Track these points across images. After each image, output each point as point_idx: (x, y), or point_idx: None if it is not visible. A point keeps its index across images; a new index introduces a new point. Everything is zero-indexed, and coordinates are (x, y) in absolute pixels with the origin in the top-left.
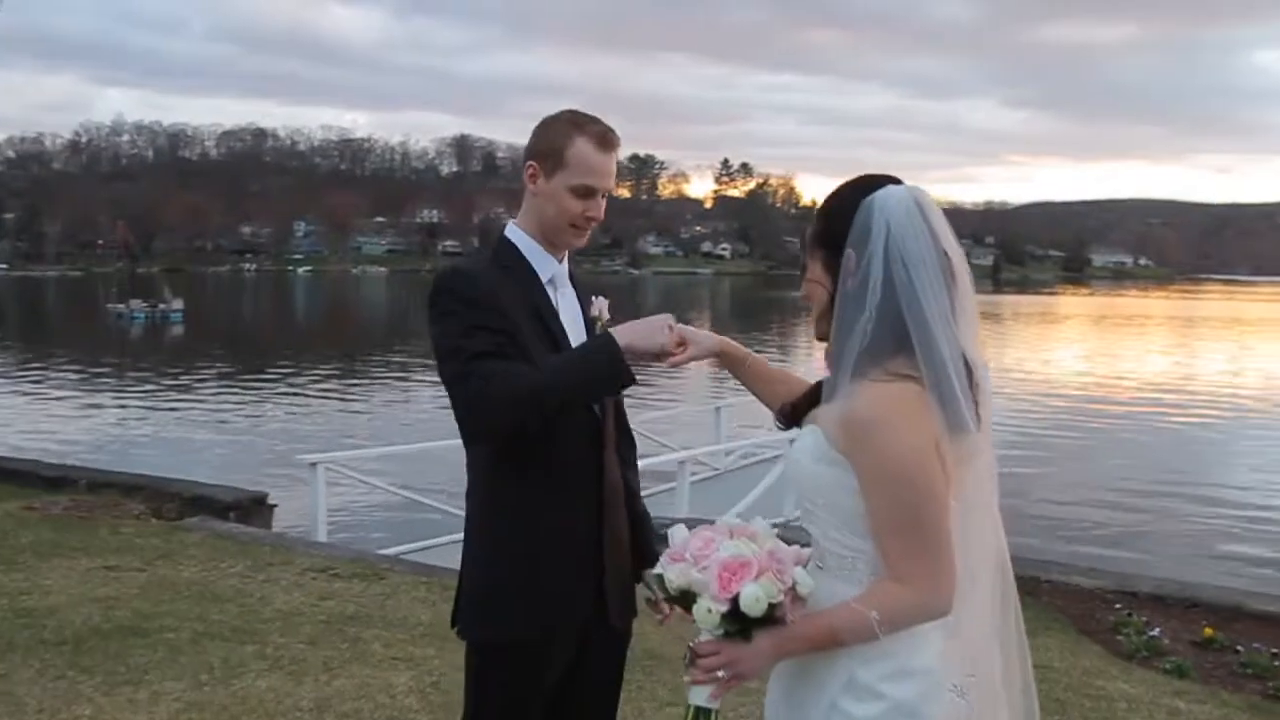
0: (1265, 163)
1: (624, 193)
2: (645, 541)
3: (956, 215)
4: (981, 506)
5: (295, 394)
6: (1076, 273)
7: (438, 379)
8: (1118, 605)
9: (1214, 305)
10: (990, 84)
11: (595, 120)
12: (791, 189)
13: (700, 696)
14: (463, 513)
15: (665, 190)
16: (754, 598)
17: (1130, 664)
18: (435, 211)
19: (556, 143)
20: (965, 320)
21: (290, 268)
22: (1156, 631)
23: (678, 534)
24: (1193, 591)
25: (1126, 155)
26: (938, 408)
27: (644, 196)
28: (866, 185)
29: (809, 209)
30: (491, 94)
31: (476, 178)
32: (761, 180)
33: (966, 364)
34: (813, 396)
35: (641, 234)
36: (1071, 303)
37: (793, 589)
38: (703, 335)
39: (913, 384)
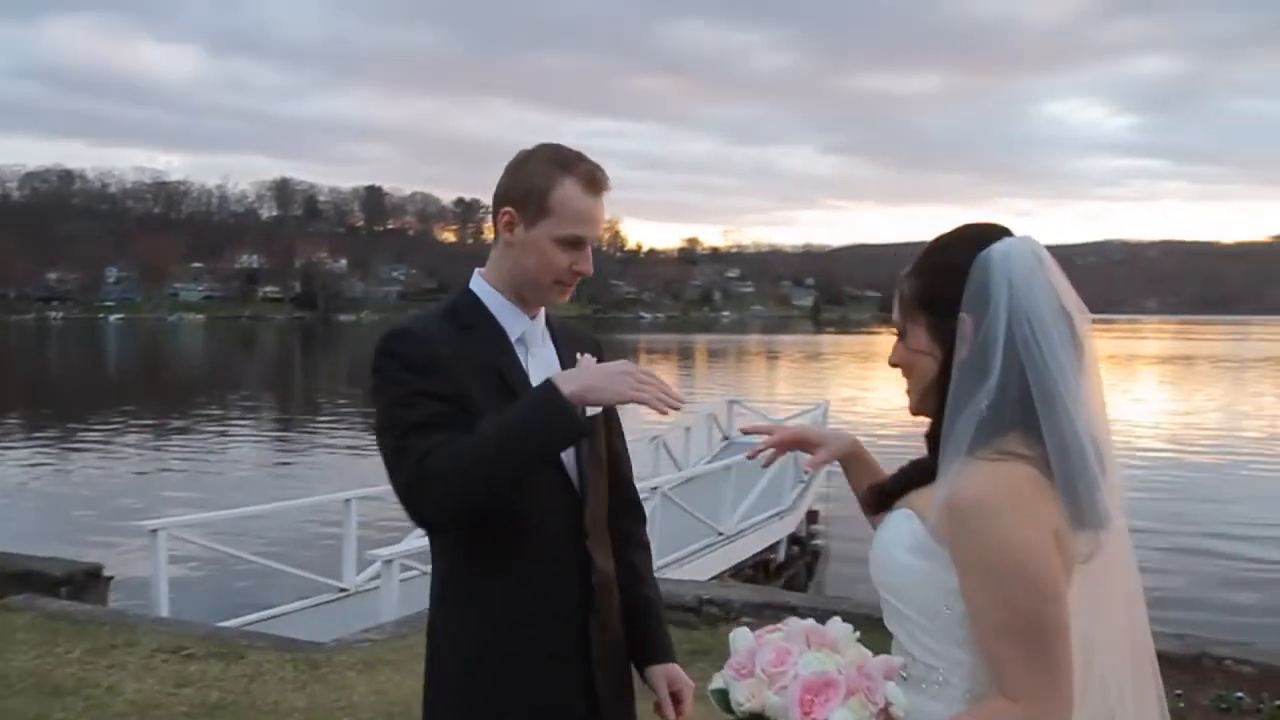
0: (1063, 206)
1: (449, 236)
2: (653, 637)
3: (777, 257)
4: (1109, 611)
5: (112, 453)
6: (892, 312)
7: (259, 434)
8: None
9: None
10: (808, 130)
11: (581, 157)
12: (617, 232)
13: None
14: (311, 574)
15: (490, 234)
16: None
17: None
18: (255, 256)
19: (538, 185)
20: (1092, 394)
21: (100, 316)
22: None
23: (740, 639)
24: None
25: (937, 199)
26: (1062, 496)
27: (470, 240)
28: (977, 238)
29: (634, 252)
30: (313, 136)
31: (298, 222)
32: None
33: (1095, 446)
34: (904, 478)
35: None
36: (889, 341)
37: (886, 710)
38: (832, 434)
39: (1028, 465)
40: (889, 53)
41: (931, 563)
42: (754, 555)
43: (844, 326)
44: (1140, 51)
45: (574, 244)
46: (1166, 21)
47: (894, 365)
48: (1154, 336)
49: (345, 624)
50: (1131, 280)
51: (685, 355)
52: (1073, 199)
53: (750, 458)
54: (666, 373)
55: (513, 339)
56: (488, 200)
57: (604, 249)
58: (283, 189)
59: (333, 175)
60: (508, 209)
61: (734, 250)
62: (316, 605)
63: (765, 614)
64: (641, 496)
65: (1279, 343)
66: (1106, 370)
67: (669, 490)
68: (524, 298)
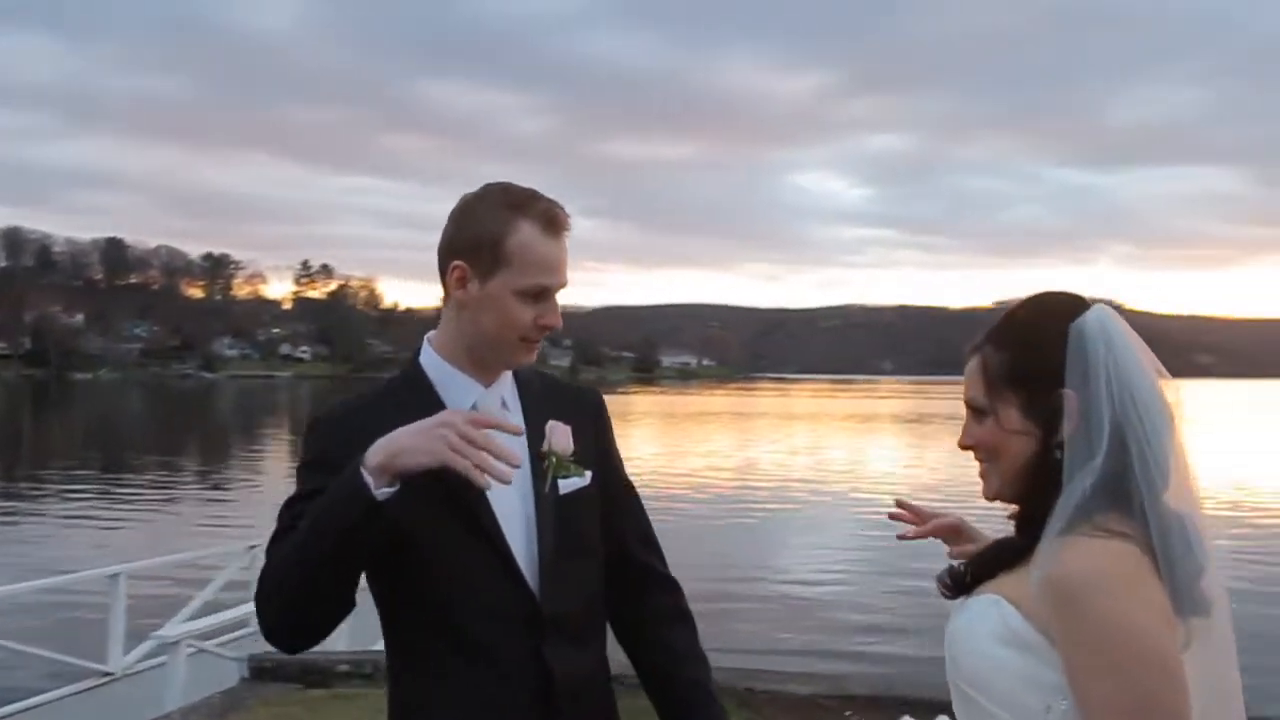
0: (806, 272)
1: (196, 292)
2: None
3: None
4: (1208, 706)
5: None
6: (648, 373)
7: None
8: (846, 712)
9: (768, 401)
10: (567, 193)
11: (535, 195)
12: (373, 291)
13: None
14: (64, 657)
15: (241, 291)
16: None
17: None
18: None
19: (490, 232)
20: (1186, 468)
21: None
22: None
23: None
24: (901, 689)
25: (689, 263)
26: (1165, 578)
27: (218, 297)
28: (1067, 307)
29: (391, 311)
30: (48, 184)
31: (29, 273)
32: (343, 282)
33: (1195, 525)
34: (989, 559)
35: (215, 336)
36: (645, 401)
37: None
38: (980, 534)
39: (1132, 543)
40: (646, 121)
41: (1028, 656)
42: None
43: (601, 386)
44: (876, 128)
45: (537, 295)
46: (899, 102)
47: (971, 447)
48: (890, 396)
49: (114, 714)
50: (870, 342)
51: None
52: (816, 265)
53: (901, 538)
54: None
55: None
56: (239, 256)
57: (359, 307)
58: (13, 238)
59: (70, 225)
60: (457, 263)
61: None
62: (76, 693)
63: None
64: None
65: None
66: (854, 430)
67: None
68: (483, 362)
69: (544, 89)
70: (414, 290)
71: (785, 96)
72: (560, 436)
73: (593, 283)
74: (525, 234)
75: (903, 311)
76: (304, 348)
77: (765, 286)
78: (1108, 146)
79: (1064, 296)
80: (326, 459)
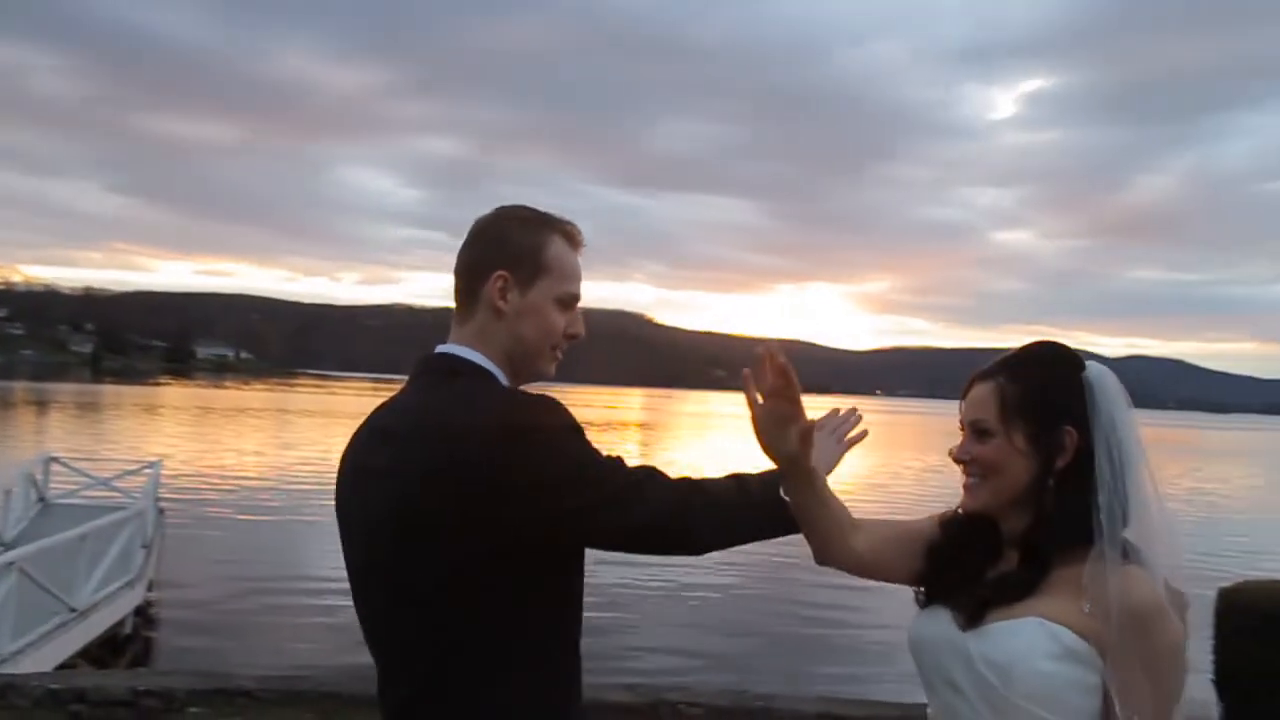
0: (351, 268)
1: None
2: None
3: (54, 299)
4: None
5: None
6: (181, 363)
7: None
8: None
9: (307, 398)
10: (92, 167)
11: (556, 215)
12: None
13: None
14: None
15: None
16: None
17: None
18: None
19: (530, 242)
20: (1158, 497)
21: None
22: None
23: None
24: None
25: (231, 251)
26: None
27: None
28: (1074, 358)
29: None
30: None
31: None
32: None
33: (1173, 542)
34: (1004, 590)
35: None
36: (177, 393)
37: None
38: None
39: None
40: (190, 99)
41: (1076, 666)
42: (106, 630)
43: (128, 376)
44: (429, 130)
45: (568, 304)
46: (454, 106)
47: (969, 460)
48: None
49: None
50: (413, 343)
51: None
52: (363, 263)
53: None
54: None
55: None
56: None
57: None
58: None
59: None
60: (500, 272)
61: (2, 289)
62: None
63: (218, 700)
64: None
65: None
66: None
67: (25, 563)
68: (518, 373)
69: (72, 48)
70: None
71: (339, 89)
72: None
73: (122, 265)
74: (559, 246)
75: (448, 314)
76: None
77: (309, 281)
78: (646, 171)
79: (1069, 349)
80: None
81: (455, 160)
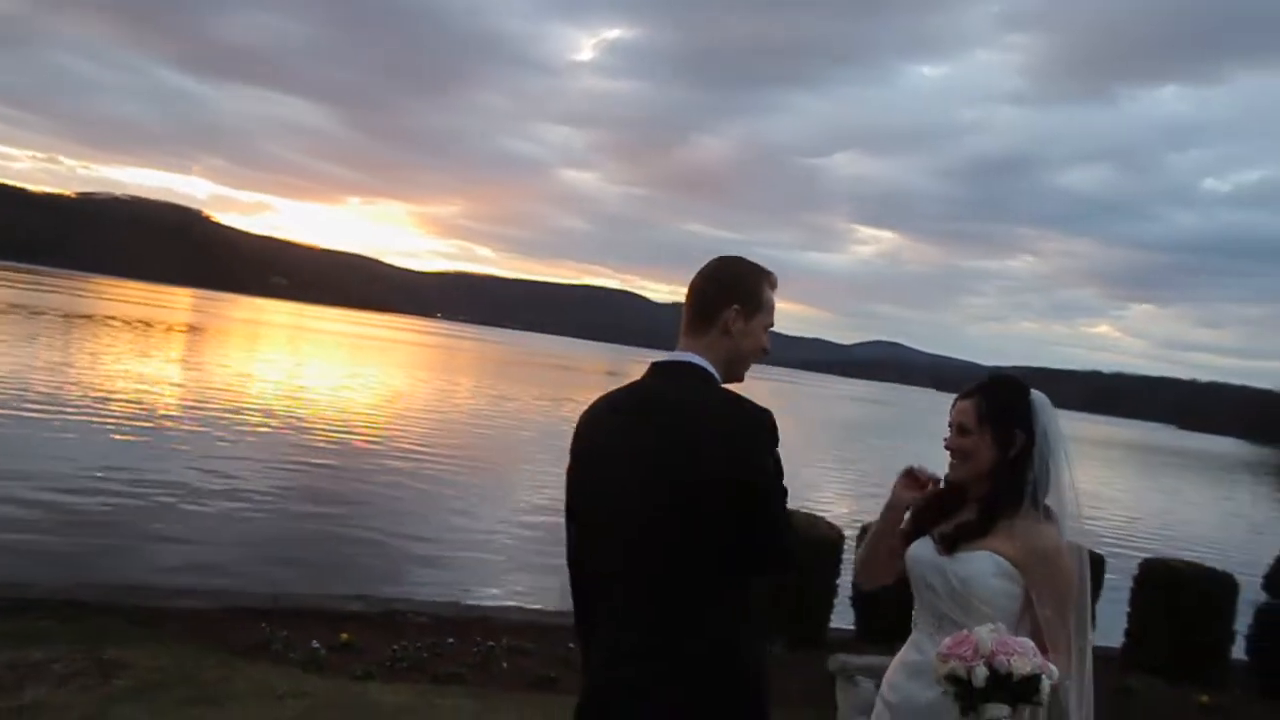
0: None
1: None
2: None
3: None
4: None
5: None
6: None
7: None
8: (263, 624)
9: None
10: None
11: (767, 267)
12: None
13: None
14: None
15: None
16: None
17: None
18: None
19: (755, 287)
20: (1064, 486)
21: None
22: (316, 643)
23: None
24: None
25: None
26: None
27: None
28: (1023, 385)
29: None
30: None
31: None
32: None
33: (1076, 505)
34: (968, 530)
35: None
36: None
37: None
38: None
39: (1055, 523)
40: None
41: (1009, 582)
42: None
43: None
44: None
45: (768, 329)
46: None
47: (955, 448)
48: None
49: None
50: None
51: None
52: None
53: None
54: None
55: None
56: None
57: None
58: None
59: None
60: (736, 305)
61: None
62: None
63: None
64: None
65: (81, 296)
66: None
67: None
68: (730, 374)
69: None
70: None
71: None
72: None
73: None
74: (769, 291)
75: None
76: None
77: None
78: (212, 57)
79: (1022, 381)
80: None
81: (3, 16)
